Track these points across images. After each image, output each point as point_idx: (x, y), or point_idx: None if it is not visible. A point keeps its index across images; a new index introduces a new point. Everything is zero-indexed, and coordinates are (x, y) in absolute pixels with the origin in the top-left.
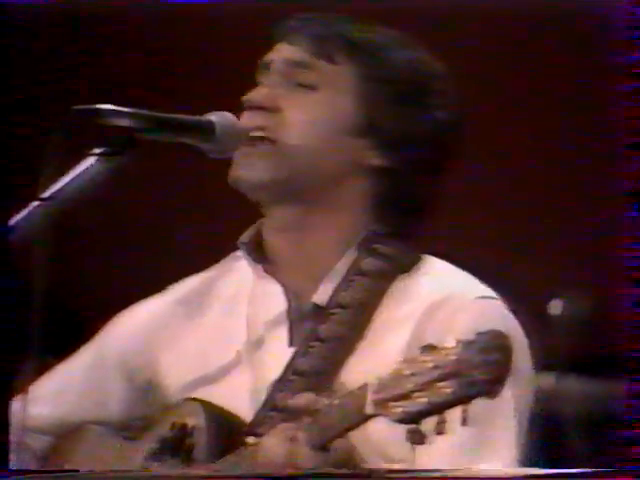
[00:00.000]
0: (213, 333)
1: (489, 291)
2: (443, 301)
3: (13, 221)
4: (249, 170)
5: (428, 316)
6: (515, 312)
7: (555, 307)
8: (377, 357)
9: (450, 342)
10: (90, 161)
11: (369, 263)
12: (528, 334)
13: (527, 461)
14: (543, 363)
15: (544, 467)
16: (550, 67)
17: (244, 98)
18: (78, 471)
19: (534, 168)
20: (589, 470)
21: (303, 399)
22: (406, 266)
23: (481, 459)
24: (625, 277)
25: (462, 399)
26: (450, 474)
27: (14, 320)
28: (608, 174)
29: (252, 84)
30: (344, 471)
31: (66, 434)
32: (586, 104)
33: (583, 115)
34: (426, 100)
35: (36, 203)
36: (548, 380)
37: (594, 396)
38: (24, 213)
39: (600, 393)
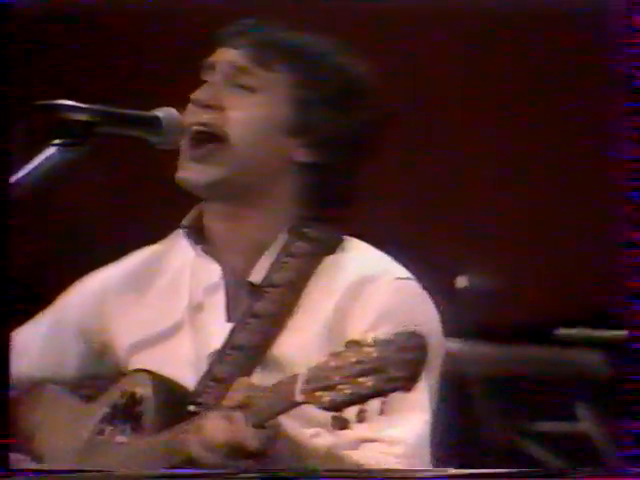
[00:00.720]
0: (158, 303)
1: (405, 272)
2: (364, 281)
3: None
4: (191, 173)
5: (350, 294)
6: (427, 288)
7: (462, 281)
8: (305, 332)
9: (371, 335)
10: (50, 151)
11: (298, 246)
12: (438, 306)
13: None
14: (451, 330)
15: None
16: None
17: (191, 96)
18: (79, 471)
19: (447, 162)
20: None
21: (239, 393)
22: (331, 248)
23: (394, 430)
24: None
25: (381, 392)
26: (441, 473)
27: None
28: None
29: (195, 82)
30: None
31: (28, 390)
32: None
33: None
34: (351, 102)
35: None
36: (455, 345)
37: (496, 359)
38: None
39: (502, 357)
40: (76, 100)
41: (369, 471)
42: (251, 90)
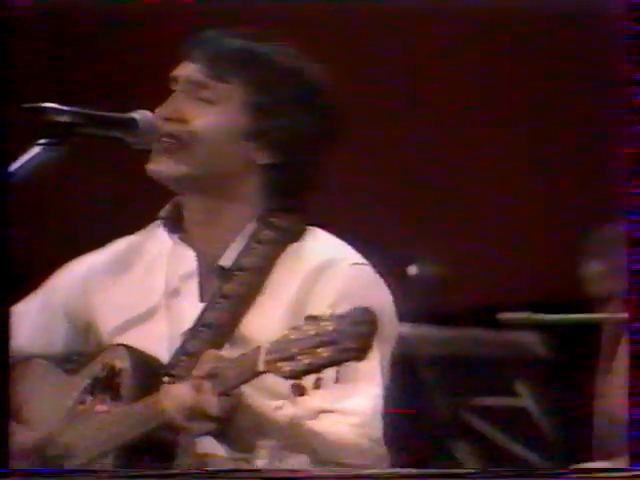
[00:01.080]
0: (137, 287)
1: (361, 258)
2: (324, 265)
3: None
4: (161, 166)
5: (312, 277)
6: (381, 274)
7: (413, 269)
8: (270, 311)
9: (329, 312)
10: (36, 149)
11: (265, 234)
12: (392, 290)
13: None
14: (402, 314)
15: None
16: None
17: (156, 110)
18: (80, 471)
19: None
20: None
21: (207, 364)
22: (295, 236)
23: (349, 400)
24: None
25: (336, 362)
26: (427, 473)
27: None
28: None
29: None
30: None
31: (20, 363)
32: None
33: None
34: (304, 106)
35: None
36: (406, 328)
37: (444, 341)
38: None
39: (449, 338)
40: (60, 102)
41: (365, 471)
42: (210, 102)
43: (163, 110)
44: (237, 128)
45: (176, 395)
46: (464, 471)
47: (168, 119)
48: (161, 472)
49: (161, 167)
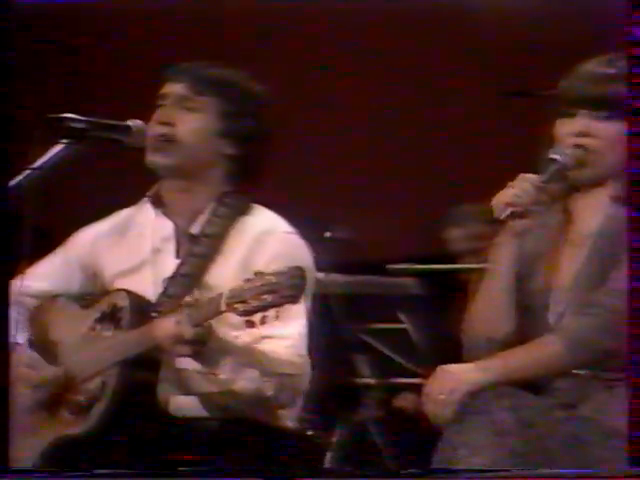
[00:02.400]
0: (130, 247)
1: (290, 228)
2: (264, 233)
3: (15, 180)
4: (156, 158)
5: (255, 242)
6: (305, 239)
7: (327, 234)
8: (226, 266)
9: (271, 269)
10: (58, 147)
11: (222, 210)
12: (312, 250)
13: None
14: (319, 266)
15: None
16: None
17: (153, 117)
18: (80, 470)
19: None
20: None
21: (185, 304)
22: (243, 212)
23: (284, 330)
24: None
25: (276, 305)
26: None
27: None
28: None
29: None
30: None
31: (46, 299)
32: None
33: None
34: (254, 114)
35: (28, 171)
36: (322, 275)
37: (349, 284)
38: (22, 175)
39: (353, 283)
40: (75, 112)
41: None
42: (192, 110)
43: (156, 116)
44: (211, 129)
45: (163, 326)
46: (464, 471)
47: (160, 123)
48: (163, 472)
49: (156, 158)
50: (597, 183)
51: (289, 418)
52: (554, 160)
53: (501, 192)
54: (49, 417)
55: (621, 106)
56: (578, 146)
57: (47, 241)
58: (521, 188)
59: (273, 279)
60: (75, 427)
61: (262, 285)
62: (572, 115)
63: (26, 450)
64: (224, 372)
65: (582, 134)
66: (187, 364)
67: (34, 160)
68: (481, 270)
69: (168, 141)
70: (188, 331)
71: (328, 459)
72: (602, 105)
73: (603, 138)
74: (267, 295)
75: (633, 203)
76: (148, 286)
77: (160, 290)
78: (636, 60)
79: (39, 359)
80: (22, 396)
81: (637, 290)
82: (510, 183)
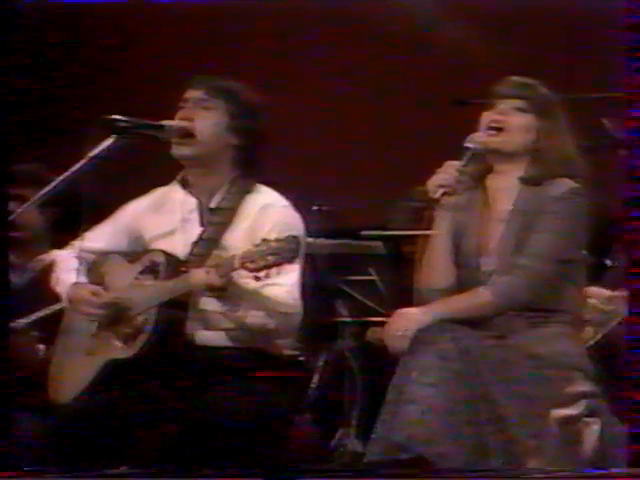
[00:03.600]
0: (165, 217)
1: (287, 202)
2: (266, 207)
3: (77, 165)
4: (179, 149)
5: (259, 214)
6: (298, 211)
7: (315, 207)
8: (238, 232)
9: (274, 237)
10: (109, 140)
11: (233, 189)
12: (303, 219)
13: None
14: (309, 232)
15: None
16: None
17: (176, 115)
18: (85, 470)
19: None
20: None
21: (211, 261)
22: (250, 190)
23: (283, 280)
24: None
25: (278, 264)
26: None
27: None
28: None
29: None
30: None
31: (100, 255)
32: None
33: None
34: (252, 112)
35: (87, 158)
36: (310, 240)
37: (331, 245)
38: (80, 163)
39: (334, 244)
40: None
41: (373, 469)
42: (207, 109)
43: (180, 115)
44: (221, 124)
45: (197, 275)
46: (463, 471)
47: (182, 119)
48: (166, 472)
49: (179, 150)
50: (508, 164)
51: (285, 347)
52: (468, 147)
53: (433, 176)
54: (103, 343)
55: (532, 102)
56: (492, 128)
57: (101, 212)
58: (447, 172)
59: (275, 245)
60: (123, 352)
61: (267, 249)
62: (492, 106)
63: (83, 368)
64: (239, 311)
65: (496, 120)
66: (209, 306)
67: (90, 151)
68: (428, 236)
69: (188, 135)
70: (215, 279)
71: (315, 380)
72: (519, 98)
73: (512, 124)
74: (271, 257)
75: None
76: (178, 247)
77: (187, 250)
78: None
79: (100, 289)
80: (83, 321)
81: None
82: (438, 169)
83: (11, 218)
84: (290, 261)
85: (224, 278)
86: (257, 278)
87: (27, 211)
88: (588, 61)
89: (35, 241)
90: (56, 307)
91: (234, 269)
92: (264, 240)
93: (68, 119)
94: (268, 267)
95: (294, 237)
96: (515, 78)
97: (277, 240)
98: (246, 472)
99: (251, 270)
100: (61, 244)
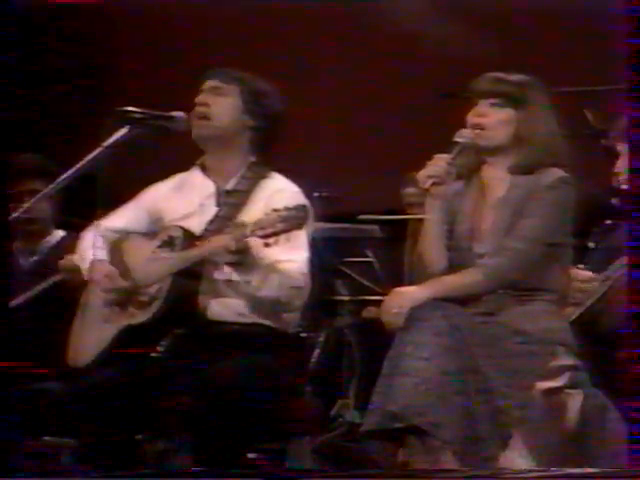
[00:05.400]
0: (184, 199)
1: (297, 188)
2: (279, 190)
3: (92, 155)
4: (198, 130)
5: (271, 197)
6: (306, 196)
7: (316, 193)
8: (253, 211)
9: (283, 207)
10: (123, 130)
11: (248, 174)
12: (310, 204)
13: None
14: (314, 217)
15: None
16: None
17: (195, 100)
18: (86, 471)
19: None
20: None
21: (229, 230)
22: (264, 176)
23: (293, 256)
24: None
25: (287, 230)
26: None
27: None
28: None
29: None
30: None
31: (121, 235)
32: None
33: None
34: (265, 96)
35: (101, 148)
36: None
37: (332, 229)
38: (94, 153)
39: (335, 229)
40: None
41: (376, 468)
42: (223, 95)
43: (198, 100)
44: (238, 108)
45: (216, 239)
46: (463, 471)
47: (200, 105)
48: (167, 472)
49: (198, 131)
50: (496, 156)
51: (290, 324)
52: (457, 142)
53: (423, 168)
54: (120, 311)
55: (507, 97)
56: (476, 125)
57: (122, 196)
58: (437, 164)
59: (284, 212)
60: (138, 317)
61: (277, 217)
62: (476, 104)
63: (100, 334)
64: (254, 280)
65: (476, 122)
66: (223, 277)
67: (106, 140)
68: (423, 220)
69: (205, 118)
70: (232, 243)
71: (315, 355)
72: (494, 96)
73: (491, 121)
74: (280, 224)
75: None
76: (197, 224)
77: (203, 227)
78: None
79: (115, 272)
80: (98, 297)
81: None
82: (428, 162)
83: (25, 207)
84: (298, 227)
85: (239, 243)
86: (267, 245)
87: (37, 200)
88: (575, 53)
89: (42, 226)
90: (51, 281)
91: (245, 235)
92: (274, 210)
93: (82, 112)
94: (277, 234)
95: (303, 206)
96: (489, 75)
97: (286, 208)
98: (246, 472)
99: (261, 236)
100: (68, 228)
